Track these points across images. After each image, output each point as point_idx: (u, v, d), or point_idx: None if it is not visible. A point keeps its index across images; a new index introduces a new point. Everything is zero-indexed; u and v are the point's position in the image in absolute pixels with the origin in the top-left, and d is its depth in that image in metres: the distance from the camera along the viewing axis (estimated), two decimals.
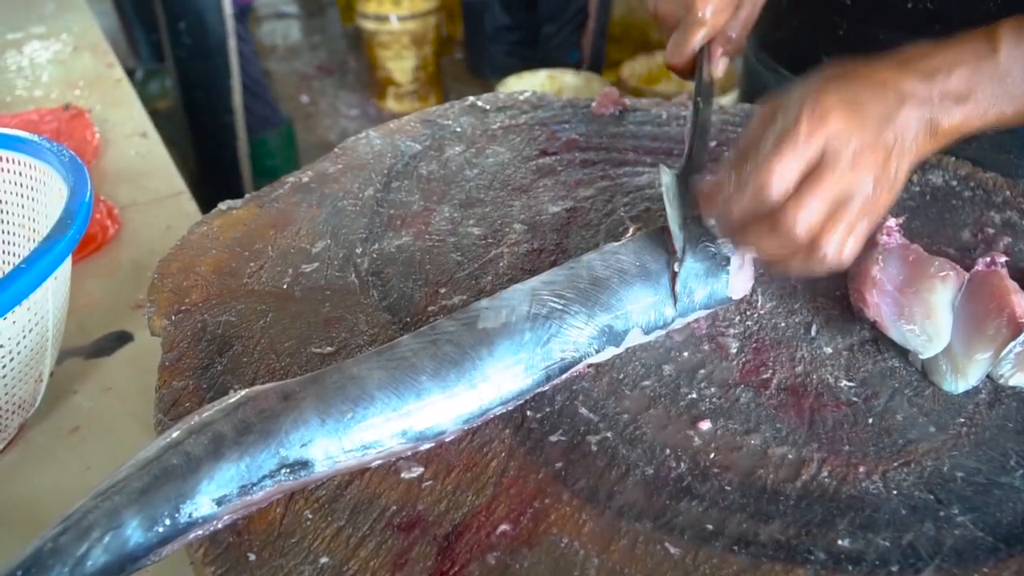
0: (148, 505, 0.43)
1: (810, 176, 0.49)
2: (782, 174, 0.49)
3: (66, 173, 0.69)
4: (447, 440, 0.50)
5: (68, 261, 0.67)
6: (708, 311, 0.59)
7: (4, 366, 0.59)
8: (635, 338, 0.56)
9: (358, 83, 3.46)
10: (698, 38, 0.66)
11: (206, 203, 0.86)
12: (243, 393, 0.48)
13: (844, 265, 0.52)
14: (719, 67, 0.68)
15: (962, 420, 0.52)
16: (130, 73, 1.32)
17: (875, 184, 0.50)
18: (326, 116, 3.25)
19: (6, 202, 0.73)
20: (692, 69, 0.69)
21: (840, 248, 0.50)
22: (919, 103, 0.51)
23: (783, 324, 0.59)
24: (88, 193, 0.66)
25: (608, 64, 2.99)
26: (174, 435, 0.46)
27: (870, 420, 0.52)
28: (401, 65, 3.07)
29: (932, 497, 0.47)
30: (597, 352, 0.55)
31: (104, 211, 0.93)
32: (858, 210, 0.50)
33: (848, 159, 0.49)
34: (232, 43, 2.20)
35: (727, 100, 2.04)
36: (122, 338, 0.79)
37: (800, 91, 0.51)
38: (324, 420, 0.47)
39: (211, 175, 2.31)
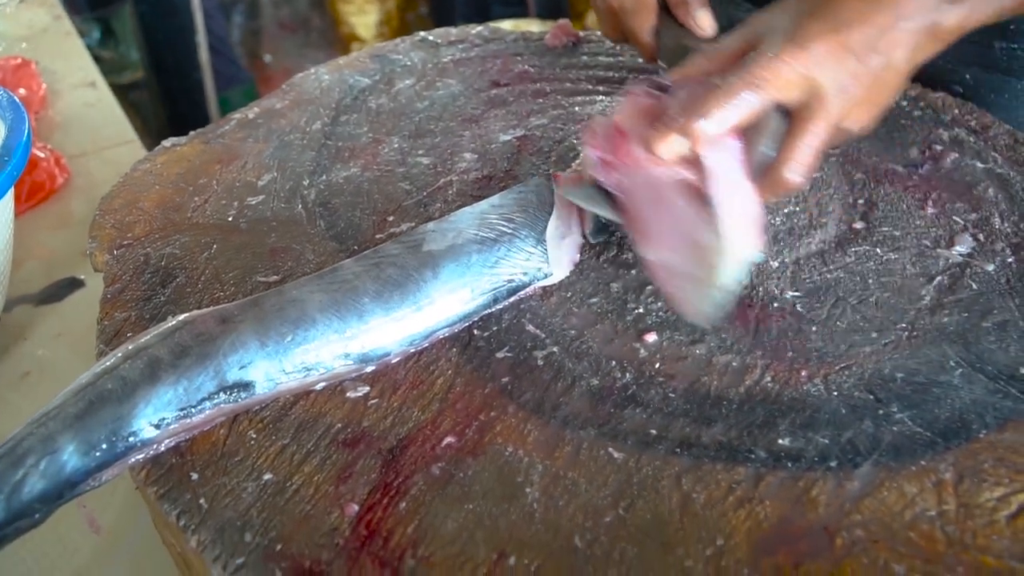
0: (84, 430, 0.42)
1: (798, 117, 0.49)
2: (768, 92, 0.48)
3: (3, 113, 0.68)
4: (392, 362, 0.50)
5: (9, 200, 0.66)
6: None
7: None
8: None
9: (323, 40, 3.39)
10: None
11: None
12: (181, 318, 0.47)
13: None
14: (704, 20, 0.61)
15: (904, 325, 0.52)
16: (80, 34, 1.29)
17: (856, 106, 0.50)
18: (289, 74, 3.19)
19: None
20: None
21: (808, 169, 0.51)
22: (917, 10, 0.51)
23: None
24: (26, 130, 0.64)
25: (574, 16, 2.94)
26: (109, 361, 0.45)
27: (814, 328, 0.52)
28: (364, 20, 3.00)
29: (872, 397, 0.47)
30: (547, 277, 0.55)
31: (52, 160, 0.91)
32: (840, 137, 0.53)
33: (834, 93, 0.49)
34: None
35: None
36: (73, 284, 0.78)
37: (782, 19, 0.51)
38: (264, 342, 0.46)
39: (182, 134, 2.27)
